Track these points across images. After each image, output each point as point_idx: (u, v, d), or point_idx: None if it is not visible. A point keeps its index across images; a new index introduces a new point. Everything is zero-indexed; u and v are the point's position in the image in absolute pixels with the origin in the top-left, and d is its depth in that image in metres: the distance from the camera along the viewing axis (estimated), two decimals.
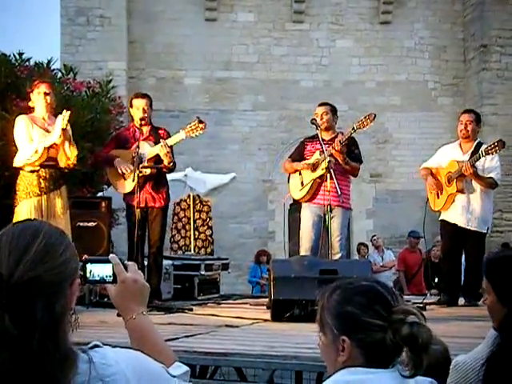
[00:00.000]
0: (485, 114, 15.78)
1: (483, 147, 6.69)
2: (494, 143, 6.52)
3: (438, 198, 6.90)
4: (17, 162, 6.05)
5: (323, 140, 6.69)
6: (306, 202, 6.74)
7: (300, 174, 6.80)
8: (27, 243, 1.38)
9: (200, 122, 6.45)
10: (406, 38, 16.85)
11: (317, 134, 6.84)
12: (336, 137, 6.69)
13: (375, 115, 6.57)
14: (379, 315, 1.67)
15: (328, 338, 1.75)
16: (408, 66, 16.79)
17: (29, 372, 1.30)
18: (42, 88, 6.10)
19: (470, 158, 6.65)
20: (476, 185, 6.71)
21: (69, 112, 5.94)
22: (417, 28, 16.89)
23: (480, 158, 6.53)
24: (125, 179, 6.60)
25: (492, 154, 6.50)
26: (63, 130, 5.91)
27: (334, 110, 6.86)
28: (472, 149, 6.79)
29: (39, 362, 1.31)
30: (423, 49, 16.88)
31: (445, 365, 2.66)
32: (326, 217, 6.52)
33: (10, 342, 1.30)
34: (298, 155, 6.92)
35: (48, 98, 6.10)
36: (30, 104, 6.19)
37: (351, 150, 6.62)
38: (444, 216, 6.93)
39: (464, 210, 6.69)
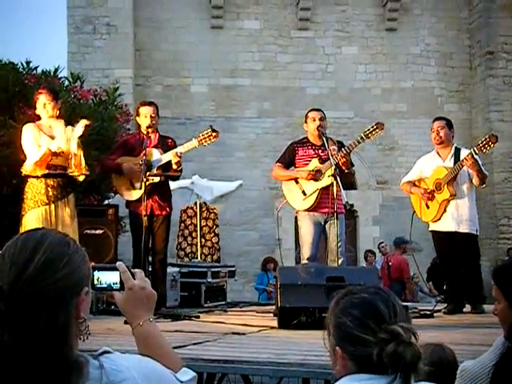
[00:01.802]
0: (491, 121, 15.80)
1: (464, 151, 6.65)
2: (485, 138, 6.46)
3: (428, 208, 6.78)
4: (26, 170, 6.08)
5: (316, 146, 6.66)
6: (309, 211, 6.61)
7: (297, 182, 6.65)
8: (28, 257, 1.39)
9: (213, 130, 6.44)
10: (411, 44, 16.87)
11: (306, 139, 6.78)
12: (327, 143, 6.54)
13: (383, 125, 6.49)
14: (371, 331, 1.66)
15: (331, 344, 1.76)
16: (414, 72, 16.81)
17: None
18: (42, 99, 6.14)
19: (454, 162, 6.61)
20: (464, 188, 6.66)
21: (85, 121, 6.03)
22: (423, 35, 16.92)
23: (473, 156, 6.43)
24: (132, 186, 6.61)
25: (486, 149, 6.43)
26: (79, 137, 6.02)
27: (325, 116, 6.82)
28: (451, 153, 6.74)
29: (40, 374, 1.32)
30: (429, 55, 16.91)
31: (453, 372, 2.65)
32: (327, 224, 6.49)
33: (8, 356, 1.32)
34: (289, 160, 6.79)
35: (49, 107, 6.12)
36: (37, 112, 6.23)
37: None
38: (433, 226, 6.83)
39: (455, 214, 6.62)
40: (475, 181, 6.61)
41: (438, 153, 6.87)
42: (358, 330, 1.67)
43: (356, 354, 1.68)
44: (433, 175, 6.78)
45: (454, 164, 6.60)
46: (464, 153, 6.64)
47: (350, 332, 1.69)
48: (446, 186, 6.63)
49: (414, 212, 6.99)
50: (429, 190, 6.75)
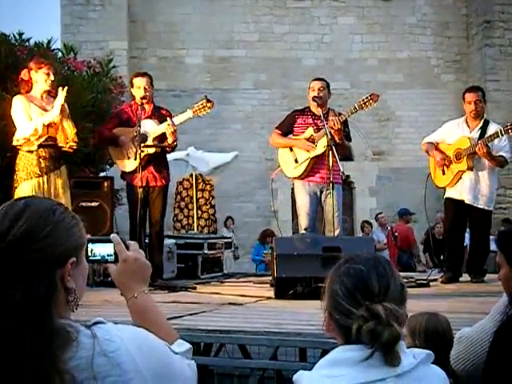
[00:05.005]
0: (488, 90, 15.68)
1: (492, 125, 6.60)
2: None
3: (444, 174, 6.74)
4: (16, 140, 6.01)
5: (315, 115, 6.61)
6: (300, 179, 6.61)
7: (291, 149, 6.66)
8: (8, 226, 1.38)
9: (208, 101, 6.45)
10: (408, 14, 16.74)
11: (308, 108, 6.75)
12: (328, 113, 6.56)
13: (378, 96, 6.43)
14: (357, 304, 1.66)
15: (323, 305, 1.78)
16: (410, 42, 16.70)
17: (10, 353, 1.30)
18: (47, 70, 6.03)
19: (480, 136, 6.53)
20: (485, 162, 6.59)
21: (66, 88, 5.91)
22: (419, 4, 16.78)
23: (499, 136, 6.39)
24: (128, 158, 6.59)
25: None
26: (61, 106, 5.89)
27: (328, 86, 6.78)
28: (480, 125, 6.65)
29: (18, 343, 1.30)
30: (426, 25, 16.78)
31: (447, 340, 2.66)
32: (323, 194, 6.47)
33: None
34: (288, 128, 6.78)
35: (50, 80, 6.04)
36: (24, 77, 6.10)
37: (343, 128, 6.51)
38: (449, 193, 6.78)
39: (472, 187, 6.58)
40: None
41: (466, 121, 6.78)
42: (345, 301, 1.68)
43: (339, 322, 1.70)
44: (456, 143, 6.69)
45: (480, 137, 6.52)
46: (492, 127, 6.57)
47: (338, 300, 1.70)
48: (465, 157, 6.56)
49: (430, 174, 6.95)
50: (446, 158, 6.68)
